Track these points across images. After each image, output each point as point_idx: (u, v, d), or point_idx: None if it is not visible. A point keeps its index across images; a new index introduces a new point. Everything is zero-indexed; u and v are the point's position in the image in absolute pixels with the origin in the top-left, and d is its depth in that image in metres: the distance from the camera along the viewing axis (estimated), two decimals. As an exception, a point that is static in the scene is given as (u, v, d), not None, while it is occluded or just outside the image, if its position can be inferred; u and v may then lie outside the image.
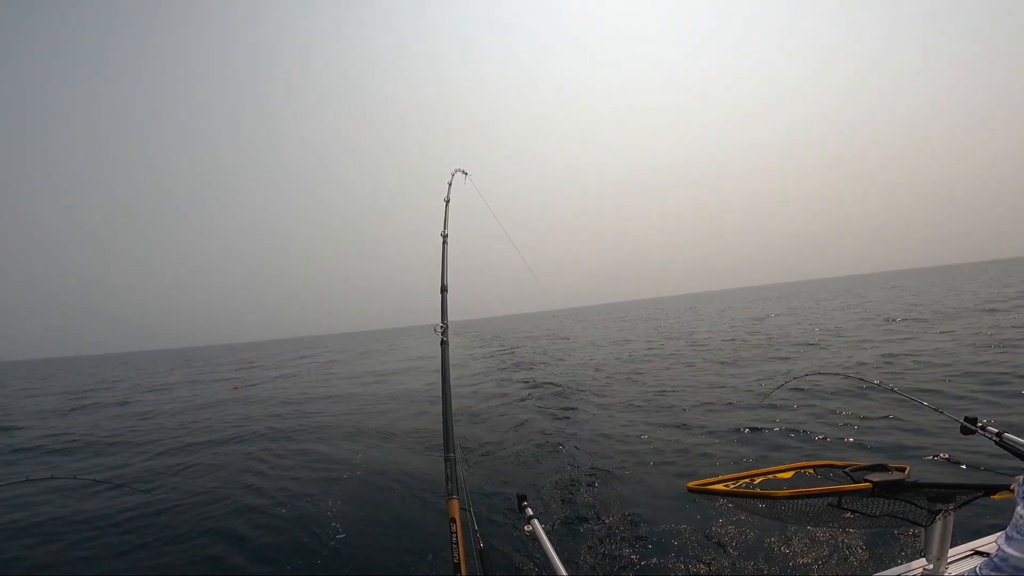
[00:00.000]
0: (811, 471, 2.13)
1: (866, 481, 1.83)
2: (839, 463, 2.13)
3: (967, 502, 1.80)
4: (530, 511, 1.89)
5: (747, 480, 2.07)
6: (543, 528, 1.76)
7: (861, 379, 3.99)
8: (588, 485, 5.49)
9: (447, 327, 2.31)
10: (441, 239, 2.93)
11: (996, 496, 1.73)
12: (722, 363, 13.42)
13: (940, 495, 1.82)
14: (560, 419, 8.88)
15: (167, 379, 28.32)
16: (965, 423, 2.23)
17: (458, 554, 1.46)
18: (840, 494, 1.82)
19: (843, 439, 6.21)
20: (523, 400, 11.30)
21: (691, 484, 2.01)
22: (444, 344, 2.26)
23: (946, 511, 1.83)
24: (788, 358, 13.08)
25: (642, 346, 20.82)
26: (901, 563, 2.06)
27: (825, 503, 1.83)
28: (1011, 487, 1.63)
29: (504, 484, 5.78)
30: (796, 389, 8.59)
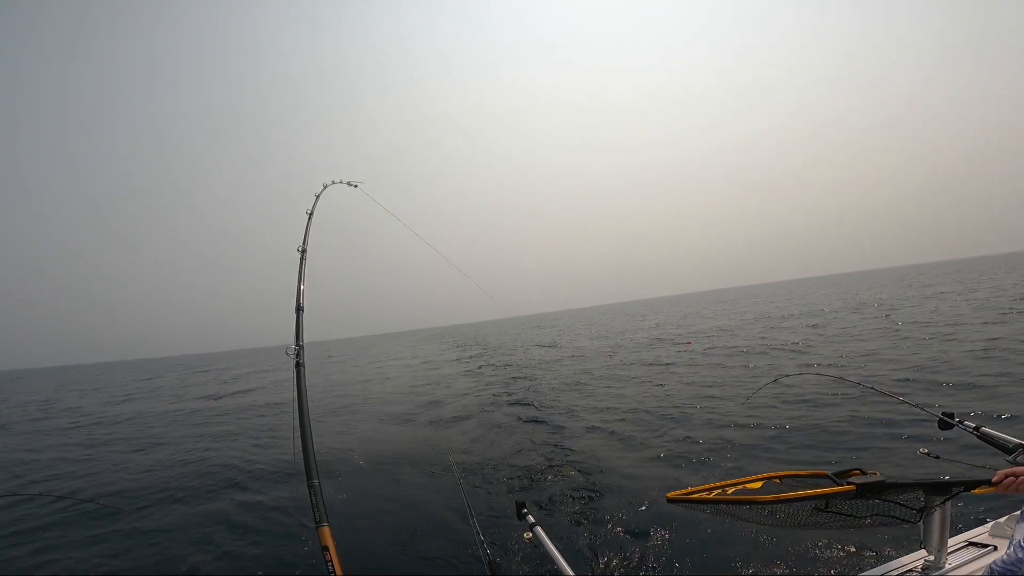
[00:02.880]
0: (778, 481, 2.13)
1: (848, 483, 1.84)
2: (804, 472, 2.15)
3: (951, 498, 1.83)
4: (531, 518, 1.86)
5: (720, 490, 2.05)
6: (547, 535, 1.72)
7: (842, 378, 4.06)
8: (575, 489, 5.49)
9: (302, 348, 2.15)
10: (298, 254, 2.63)
11: (977, 491, 1.77)
12: (702, 364, 13.56)
13: (923, 493, 1.84)
14: (538, 423, 8.99)
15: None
16: (943, 417, 2.33)
17: None
18: (826, 497, 1.81)
19: (822, 437, 6.26)
20: (499, 401, 11.44)
21: (670, 495, 1.97)
22: (299, 366, 2.10)
23: (931, 508, 1.86)
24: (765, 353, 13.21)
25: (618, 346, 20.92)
26: (901, 555, 2.09)
27: (810, 507, 1.83)
28: (992, 480, 1.70)
29: (496, 490, 5.75)
30: (775, 391, 8.70)
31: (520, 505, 1.96)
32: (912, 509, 1.87)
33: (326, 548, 1.49)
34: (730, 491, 2.04)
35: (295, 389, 2.01)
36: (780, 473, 2.16)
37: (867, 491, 1.81)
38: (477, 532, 1.87)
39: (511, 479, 6.15)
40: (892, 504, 1.86)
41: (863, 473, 1.93)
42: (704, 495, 1.98)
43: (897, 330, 15.63)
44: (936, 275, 58.95)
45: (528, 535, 1.77)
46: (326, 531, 1.55)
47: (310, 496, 1.67)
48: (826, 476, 2.00)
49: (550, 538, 1.70)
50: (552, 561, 1.57)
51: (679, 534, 4.16)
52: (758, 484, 2.09)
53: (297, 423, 1.89)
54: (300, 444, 1.81)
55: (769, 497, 1.82)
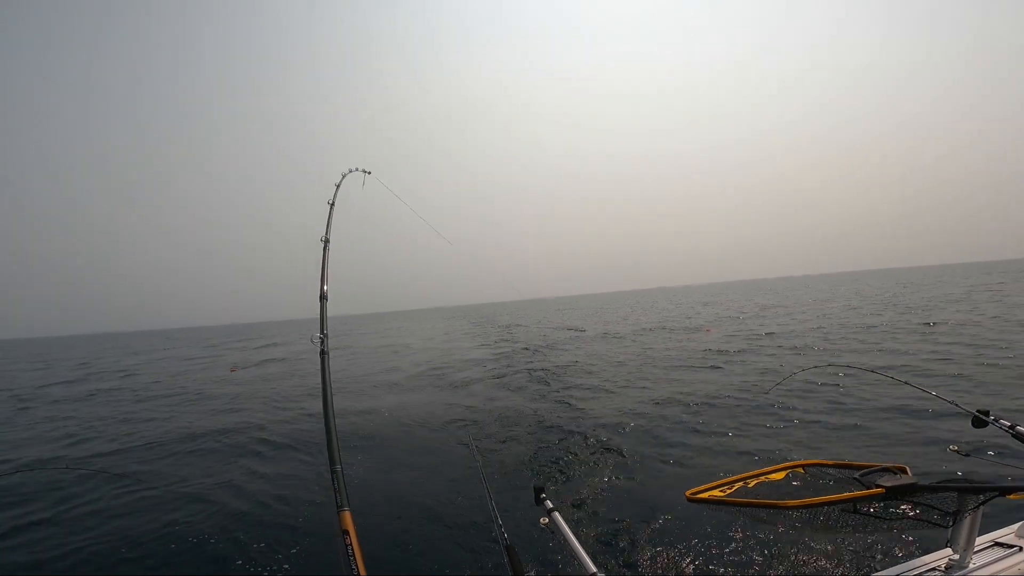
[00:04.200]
0: (801, 470, 2.09)
1: (878, 486, 1.76)
2: (828, 462, 2.10)
3: (984, 502, 1.75)
4: (549, 503, 1.84)
5: (742, 484, 2.02)
6: (565, 522, 1.70)
7: (872, 371, 3.92)
8: (593, 474, 5.49)
9: (327, 336, 2.17)
10: (322, 244, 2.62)
11: (1013, 497, 1.69)
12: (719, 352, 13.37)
13: (956, 497, 1.76)
14: (557, 405, 9.03)
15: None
16: (977, 415, 2.23)
17: (356, 566, 1.45)
18: (854, 501, 1.74)
19: (849, 433, 6.09)
20: (518, 381, 11.69)
21: (689, 493, 1.93)
22: (324, 354, 2.13)
23: (963, 513, 1.78)
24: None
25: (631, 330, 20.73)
26: (925, 553, 2.03)
27: (837, 510, 1.76)
28: None
29: (513, 472, 5.78)
30: (801, 383, 8.52)
31: (539, 490, 1.94)
32: (944, 513, 1.79)
33: (346, 532, 1.53)
34: (752, 484, 2.01)
35: (321, 377, 2.03)
36: (805, 462, 2.12)
37: (897, 494, 1.74)
38: (495, 516, 1.84)
39: (528, 461, 6.14)
40: (923, 508, 1.78)
41: (893, 473, 1.86)
42: (726, 490, 1.94)
43: (930, 330, 15.15)
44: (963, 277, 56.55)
45: (545, 520, 1.76)
46: (347, 515, 1.58)
47: (332, 481, 1.70)
48: (852, 467, 1.94)
49: (568, 525, 1.68)
50: (569, 548, 1.55)
51: (696, 523, 4.11)
52: (781, 475, 2.06)
53: (322, 410, 1.92)
54: (324, 430, 1.85)
55: (794, 502, 1.76)
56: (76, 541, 4.73)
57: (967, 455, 2.31)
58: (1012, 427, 2.12)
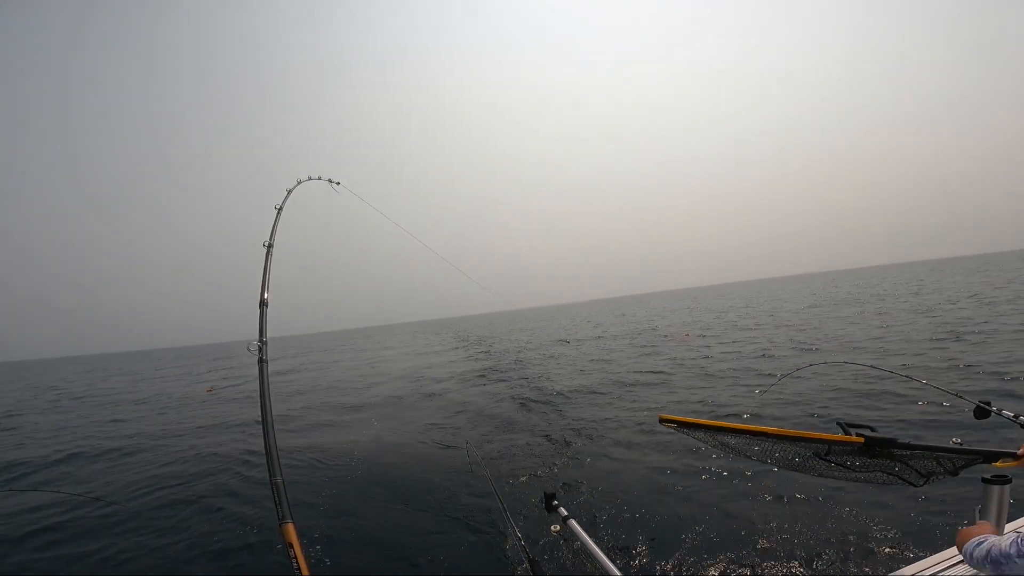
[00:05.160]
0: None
1: (858, 435, 1.79)
2: (818, 435, 2.09)
3: (964, 467, 1.73)
4: (563, 511, 1.82)
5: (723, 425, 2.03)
6: (581, 527, 1.67)
7: (872, 367, 3.90)
8: (603, 477, 5.36)
9: (266, 344, 2.10)
10: (264, 249, 2.54)
11: (998, 463, 1.64)
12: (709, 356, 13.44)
13: (934, 457, 1.77)
14: (548, 408, 8.91)
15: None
16: (980, 405, 2.21)
17: None
18: (829, 443, 1.78)
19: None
20: (505, 388, 11.69)
21: (662, 415, 1.89)
22: (262, 363, 2.07)
23: (938, 474, 1.77)
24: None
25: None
26: (944, 549, 2.00)
27: (811, 451, 1.80)
28: (1018, 453, 1.58)
29: (522, 482, 5.56)
30: (799, 379, 8.51)
31: (550, 496, 1.90)
32: (915, 472, 1.78)
33: (290, 545, 1.50)
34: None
35: (259, 386, 1.99)
36: (790, 432, 2.12)
37: (876, 445, 1.76)
38: (512, 528, 1.76)
39: (531, 466, 5.94)
40: (897, 464, 1.79)
41: (873, 431, 1.87)
42: (703, 420, 1.94)
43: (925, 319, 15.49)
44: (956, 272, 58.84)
45: (556, 528, 1.74)
46: (290, 528, 1.56)
47: (273, 494, 1.68)
48: (836, 424, 1.98)
49: (585, 530, 1.65)
50: (590, 556, 1.51)
51: (713, 525, 3.99)
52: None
53: (260, 420, 1.88)
54: (263, 441, 1.81)
55: (772, 430, 1.79)
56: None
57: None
58: (1016, 416, 2.09)
